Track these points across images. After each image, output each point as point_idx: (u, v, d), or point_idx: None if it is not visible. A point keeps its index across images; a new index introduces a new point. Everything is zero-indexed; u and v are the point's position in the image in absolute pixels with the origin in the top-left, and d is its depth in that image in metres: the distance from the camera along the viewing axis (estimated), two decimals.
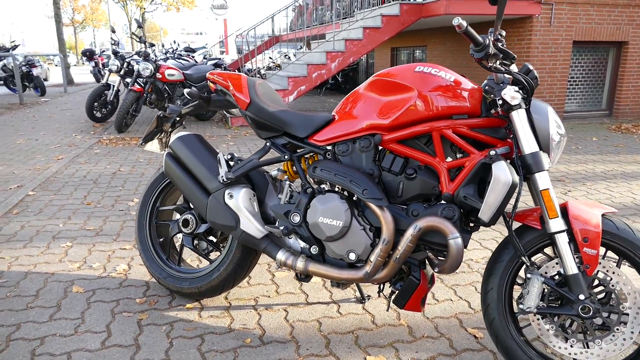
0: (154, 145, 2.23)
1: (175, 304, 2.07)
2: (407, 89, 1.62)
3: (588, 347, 1.51)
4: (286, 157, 1.83)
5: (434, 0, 6.95)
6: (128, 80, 6.74)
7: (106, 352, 1.73)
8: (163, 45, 17.06)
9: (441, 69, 1.63)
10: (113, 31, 6.93)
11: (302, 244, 1.80)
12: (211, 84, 2.03)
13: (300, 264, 1.75)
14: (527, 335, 1.86)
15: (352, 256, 1.68)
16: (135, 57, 6.69)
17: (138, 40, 6.40)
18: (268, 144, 1.89)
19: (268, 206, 1.92)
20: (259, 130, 1.90)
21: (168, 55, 9.53)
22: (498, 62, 1.52)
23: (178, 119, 2.23)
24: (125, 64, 6.62)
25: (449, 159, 1.62)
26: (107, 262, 2.48)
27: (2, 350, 1.72)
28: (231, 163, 1.94)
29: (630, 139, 6.26)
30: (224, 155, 1.93)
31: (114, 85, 6.76)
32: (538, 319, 1.56)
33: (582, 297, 1.45)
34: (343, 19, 9.34)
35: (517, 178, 1.47)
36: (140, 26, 6.22)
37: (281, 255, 1.78)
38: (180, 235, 2.11)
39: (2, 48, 11.72)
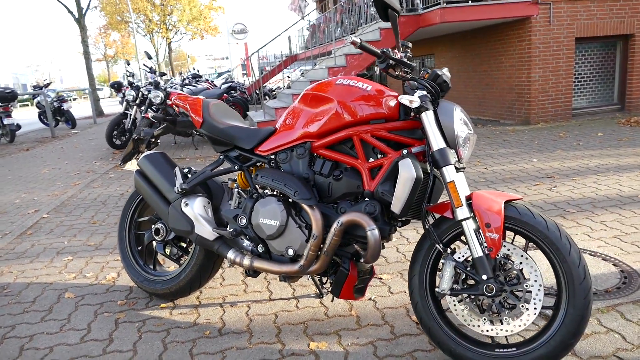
0: (132, 165, 2.51)
1: (151, 305, 2.30)
2: (328, 100, 1.82)
3: (500, 324, 1.64)
4: (236, 167, 2.06)
5: (430, 10, 7.12)
6: (143, 108, 7.19)
7: (83, 345, 1.98)
8: (180, 73, 17.88)
9: (360, 80, 1.83)
10: (128, 64, 7.42)
11: (251, 243, 2.01)
12: (176, 108, 2.30)
13: (246, 261, 1.96)
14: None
15: (291, 252, 1.87)
16: (149, 86, 7.14)
17: (149, 70, 6.85)
18: (222, 156, 2.12)
19: (222, 212, 2.14)
20: (214, 145, 2.13)
21: (185, 82, 10.03)
22: (402, 71, 1.71)
23: (152, 140, 2.51)
24: (140, 93, 7.07)
25: (371, 160, 1.80)
26: (100, 272, 2.76)
27: None
28: (189, 175, 2.18)
29: (637, 132, 6.17)
30: (181, 169, 2.18)
31: (130, 114, 7.21)
32: (454, 301, 1.70)
33: (485, 277, 1.59)
34: (351, 33, 9.61)
35: (421, 173, 1.64)
36: (150, 57, 6.66)
37: (231, 254, 2.00)
38: (155, 243, 2.36)
39: (36, 86, 12.60)
